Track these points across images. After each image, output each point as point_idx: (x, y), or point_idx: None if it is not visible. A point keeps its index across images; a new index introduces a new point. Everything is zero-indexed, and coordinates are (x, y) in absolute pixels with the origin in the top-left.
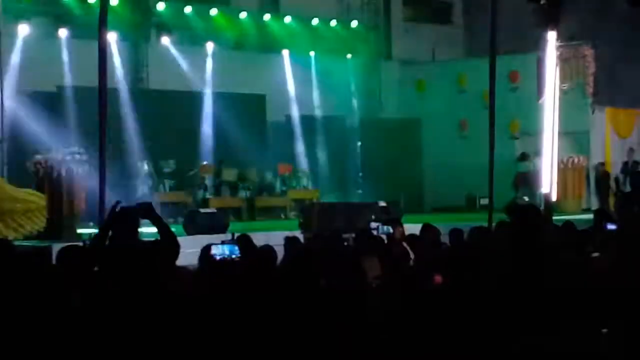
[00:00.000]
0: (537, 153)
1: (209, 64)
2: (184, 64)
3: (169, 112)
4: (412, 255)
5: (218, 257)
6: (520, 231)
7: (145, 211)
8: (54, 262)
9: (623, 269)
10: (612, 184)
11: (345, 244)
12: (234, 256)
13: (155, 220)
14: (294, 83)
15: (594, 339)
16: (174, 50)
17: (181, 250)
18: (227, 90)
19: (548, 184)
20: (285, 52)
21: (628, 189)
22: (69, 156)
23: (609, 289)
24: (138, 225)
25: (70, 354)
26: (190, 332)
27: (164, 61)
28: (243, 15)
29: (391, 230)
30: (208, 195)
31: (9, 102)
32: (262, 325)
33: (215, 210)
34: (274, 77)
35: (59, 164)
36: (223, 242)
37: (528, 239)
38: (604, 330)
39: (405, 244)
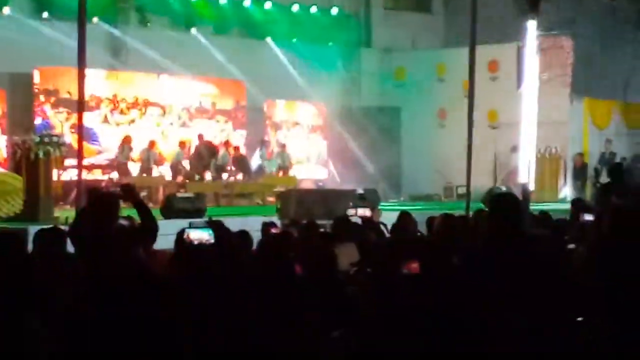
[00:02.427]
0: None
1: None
2: (164, 48)
3: None
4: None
5: (193, 242)
6: (498, 220)
7: (127, 193)
8: (29, 244)
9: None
10: (592, 174)
11: (322, 230)
12: (207, 240)
13: (137, 203)
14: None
15: (570, 329)
16: (152, 34)
17: (159, 233)
18: (208, 75)
19: (526, 173)
20: (269, 39)
21: (606, 179)
22: (46, 138)
23: (586, 281)
24: (118, 209)
25: (47, 338)
26: (166, 315)
27: (143, 45)
28: (223, 0)
29: (369, 213)
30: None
31: None
32: (235, 311)
33: (193, 195)
34: (255, 63)
35: (36, 146)
36: (191, 225)
37: (506, 227)
38: (579, 319)
39: (383, 228)
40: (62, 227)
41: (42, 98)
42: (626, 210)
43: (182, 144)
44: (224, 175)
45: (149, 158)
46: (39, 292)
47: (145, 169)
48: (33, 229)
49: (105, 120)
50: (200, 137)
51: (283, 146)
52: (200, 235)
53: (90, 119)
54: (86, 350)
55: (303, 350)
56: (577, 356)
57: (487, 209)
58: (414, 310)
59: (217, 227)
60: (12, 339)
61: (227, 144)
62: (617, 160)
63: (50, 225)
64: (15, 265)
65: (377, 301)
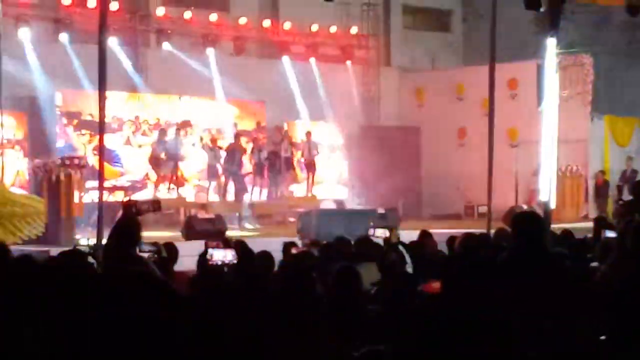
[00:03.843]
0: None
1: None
2: (183, 69)
3: None
4: (408, 260)
5: (216, 262)
6: (521, 239)
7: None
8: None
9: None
10: (614, 192)
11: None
12: (230, 261)
13: None
14: (292, 89)
15: (593, 346)
16: (173, 55)
17: (179, 255)
18: (228, 95)
19: (547, 192)
20: (287, 59)
21: (628, 197)
22: (67, 160)
23: (609, 298)
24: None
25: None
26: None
27: (163, 66)
28: (243, 20)
29: (387, 234)
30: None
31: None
32: (257, 330)
33: (214, 216)
34: (274, 83)
35: (58, 168)
36: (207, 246)
37: (530, 246)
38: (602, 338)
39: (401, 248)
40: (83, 249)
41: (64, 120)
42: None
43: (213, 141)
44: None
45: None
46: (58, 314)
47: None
48: (55, 251)
49: (128, 142)
50: (236, 135)
51: (308, 134)
52: (224, 255)
53: (112, 141)
54: None
55: None
56: None
57: (507, 228)
58: (436, 330)
59: (240, 247)
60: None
61: (255, 140)
62: (637, 177)
63: (71, 248)
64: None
65: (399, 321)
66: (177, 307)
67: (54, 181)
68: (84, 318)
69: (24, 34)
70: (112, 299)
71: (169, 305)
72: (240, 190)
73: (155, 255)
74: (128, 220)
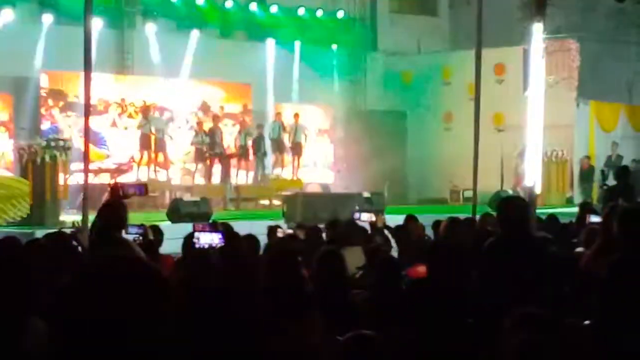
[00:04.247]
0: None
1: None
2: (169, 51)
3: None
4: (393, 244)
5: (202, 245)
6: (507, 223)
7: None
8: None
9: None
10: (599, 177)
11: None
12: (216, 244)
13: None
14: (278, 72)
15: (576, 332)
16: (158, 38)
17: (165, 237)
18: (214, 78)
19: (532, 176)
20: (274, 42)
21: (612, 182)
22: (52, 142)
23: (594, 283)
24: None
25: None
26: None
27: (149, 48)
28: (229, 4)
29: (373, 218)
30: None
31: None
32: (242, 314)
33: (199, 199)
34: (260, 66)
35: (43, 150)
36: (195, 229)
37: (515, 231)
38: (587, 323)
39: (387, 232)
40: (68, 231)
41: (50, 102)
42: (635, 213)
43: (199, 124)
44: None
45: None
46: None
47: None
48: (40, 233)
49: (114, 124)
50: (214, 117)
51: (296, 116)
52: (210, 238)
53: (98, 123)
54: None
55: (307, 352)
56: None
57: (493, 213)
58: (421, 313)
59: (226, 230)
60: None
61: (243, 123)
62: (625, 163)
63: (56, 229)
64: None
65: (383, 305)
66: (164, 292)
67: (39, 163)
68: (66, 300)
69: (8, 14)
70: (95, 283)
71: (155, 291)
72: (224, 173)
73: (141, 238)
74: (114, 203)
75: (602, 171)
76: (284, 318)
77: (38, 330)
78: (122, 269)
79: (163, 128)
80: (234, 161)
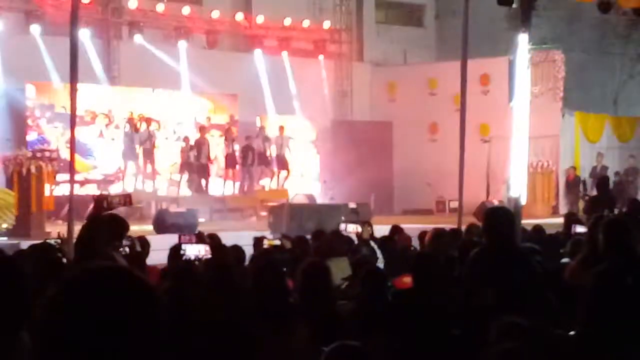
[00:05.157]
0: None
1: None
2: (156, 62)
3: None
4: (379, 255)
5: (190, 256)
6: (492, 234)
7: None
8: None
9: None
10: (580, 187)
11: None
12: (203, 256)
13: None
14: (266, 83)
15: (561, 343)
16: (145, 49)
17: (151, 249)
18: (200, 89)
19: (517, 187)
20: (260, 52)
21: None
22: (38, 153)
23: (578, 293)
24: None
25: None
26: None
27: (136, 59)
28: (215, 14)
29: (359, 229)
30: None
31: None
32: (227, 324)
33: (185, 210)
34: (247, 77)
35: (29, 160)
36: (181, 241)
37: (500, 241)
38: (571, 333)
39: (373, 244)
40: (53, 242)
41: (37, 113)
42: (620, 224)
43: (186, 140)
44: (218, 189)
45: None
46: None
47: None
48: (25, 244)
49: (101, 135)
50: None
51: (281, 128)
52: (197, 249)
53: (85, 134)
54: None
55: None
56: None
57: (479, 223)
58: (407, 324)
59: (213, 241)
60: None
61: (228, 131)
62: (607, 173)
63: (41, 241)
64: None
65: (368, 316)
66: (152, 301)
67: (24, 174)
68: (51, 312)
69: None
70: (80, 293)
71: (143, 300)
72: (208, 184)
73: (127, 250)
74: (103, 217)
75: (583, 182)
76: (268, 329)
77: (25, 345)
78: (108, 279)
79: (150, 139)
80: (220, 172)
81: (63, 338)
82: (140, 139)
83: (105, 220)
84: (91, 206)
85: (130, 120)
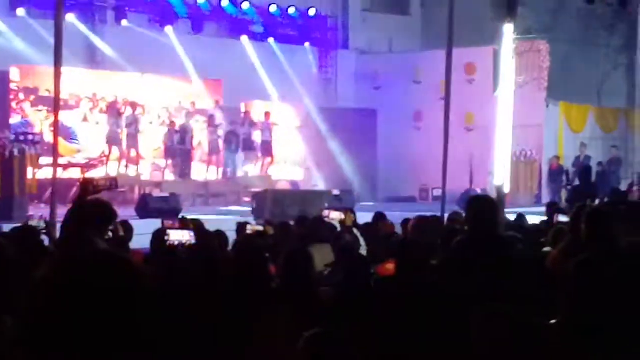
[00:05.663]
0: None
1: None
2: (141, 47)
3: None
4: (362, 242)
5: (174, 242)
6: (475, 222)
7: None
8: None
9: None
10: (564, 177)
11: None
12: (187, 241)
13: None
14: (250, 69)
15: (542, 331)
16: (130, 33)
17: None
18: (185, 74)
19: (501, 176)
20: (245, 39)
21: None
22: (22, 136)
23: (560, 282)
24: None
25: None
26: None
27: (121, 43)
28: (201, 0)
29: (343, 216)
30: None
31: None
32: (209, 310)
33: (169, 195)
34: (232, 63)
35: (12, 144)
36: (164, 226)
37: (483, 230)
38: (552, 322)
39: (356, 231)
40: (35, 225)
41: (21, 96)
42: (602, 213)
43: (172, 123)
44: (200, 175)
45: None
46: (14, 291)
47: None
48: (7, 227)
49: (85, 119)
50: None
51: (267, 114)
52: (181, 235)
53: (69, 118)
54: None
55: (275, 349)
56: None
57: (462, 211)
58: (389, 311)
59: (196, 227)
60: None
61: (211, 119)
62: (590, 164)
63: (23, 223)
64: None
65: (350, 302)
66: (139, 282)
67: (7, 157)
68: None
69: None
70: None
71: (130, 281)
72: (191, 170)
73: (111, 234)
74: (89, 202)
75: (566, 171)
76: (250, 314)
77: (8, 329)
78: (97, 261)
79: (133, 123)
80: (204, 157)
81: (53, 318)
82: (124, 123)
83: (92, 204)
84: (76, 189)
85: (114, 104)
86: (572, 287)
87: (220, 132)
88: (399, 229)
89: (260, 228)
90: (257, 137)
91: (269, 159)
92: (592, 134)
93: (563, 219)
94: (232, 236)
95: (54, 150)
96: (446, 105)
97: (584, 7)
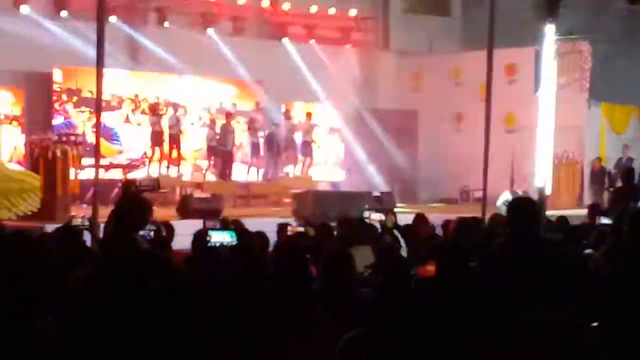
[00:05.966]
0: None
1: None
2: (182, 48)
3: None
4: (402, 244)
5: (215, 243)
6: (517, 224)
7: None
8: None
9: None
10: (606, 179)
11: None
12: (228, 243)
13: None
14: (290, 70)
15: (584, 333)
16: (171, 35)
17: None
18: (226, 75)
19: (542, 178)
20: (286, 40)
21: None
22: (64, 137)
23: (603, 285)
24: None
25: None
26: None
27: (162, 45)
28: (241, 1)
29: (383, 217)
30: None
31: None
32: (251, 312)
33: (210, 195)
34: (272, 64)
35: (54, 144)
36: (206, 226)
37: (525, 232)
38: (594, 324)
39: (396, 232)
40: (79, 223)
41: (64, 97)
42: None
43: (212, 121)
44: (243, 176)
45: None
46: (54, 291)
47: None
48: (50, 228)
49: (127, 120)
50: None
51: (309, 115)
52: (222, 236)
53: (111, 119)
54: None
55: (315, 350)
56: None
57: (503, 213)
58: (429, 313)
59: (237, 227)
60: (24, 341)
61: (252, 120)
62: (633, 165)
63: (66, 224)
64: (27, 264)
65: (391, 304)
66: (181, 281)
67: (50, 158)
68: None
69: (24, 9)
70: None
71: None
72: (232, 171)
73: (153, 235)
74: (133, 202)
75: (609, 173)
76: (290, 315)
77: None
78: (141, 260)
79: (176, 124)
80: (245, 158)
81: (99, 313)
82: (166, 124)
83: (134, 205)
84: (118, 190)
85: (156, 105)
86: (614, 289)
87: (261, 134)
88: (439, 231)
89: (301, 229)
90: (297, 138)
91: (309, 160)
92: (634, 135)
93: (605, 220)
94: (272, 237)
95: (96, 151)
96: (487, 107)
97: (626, 7)
